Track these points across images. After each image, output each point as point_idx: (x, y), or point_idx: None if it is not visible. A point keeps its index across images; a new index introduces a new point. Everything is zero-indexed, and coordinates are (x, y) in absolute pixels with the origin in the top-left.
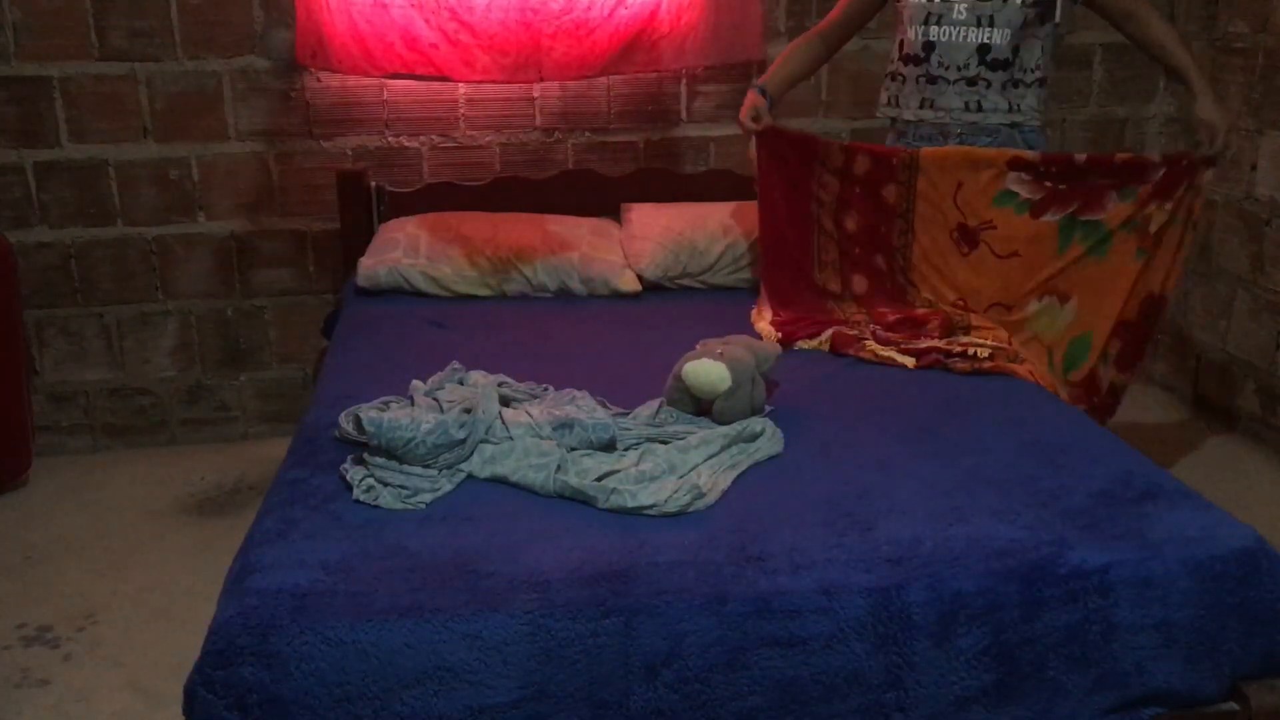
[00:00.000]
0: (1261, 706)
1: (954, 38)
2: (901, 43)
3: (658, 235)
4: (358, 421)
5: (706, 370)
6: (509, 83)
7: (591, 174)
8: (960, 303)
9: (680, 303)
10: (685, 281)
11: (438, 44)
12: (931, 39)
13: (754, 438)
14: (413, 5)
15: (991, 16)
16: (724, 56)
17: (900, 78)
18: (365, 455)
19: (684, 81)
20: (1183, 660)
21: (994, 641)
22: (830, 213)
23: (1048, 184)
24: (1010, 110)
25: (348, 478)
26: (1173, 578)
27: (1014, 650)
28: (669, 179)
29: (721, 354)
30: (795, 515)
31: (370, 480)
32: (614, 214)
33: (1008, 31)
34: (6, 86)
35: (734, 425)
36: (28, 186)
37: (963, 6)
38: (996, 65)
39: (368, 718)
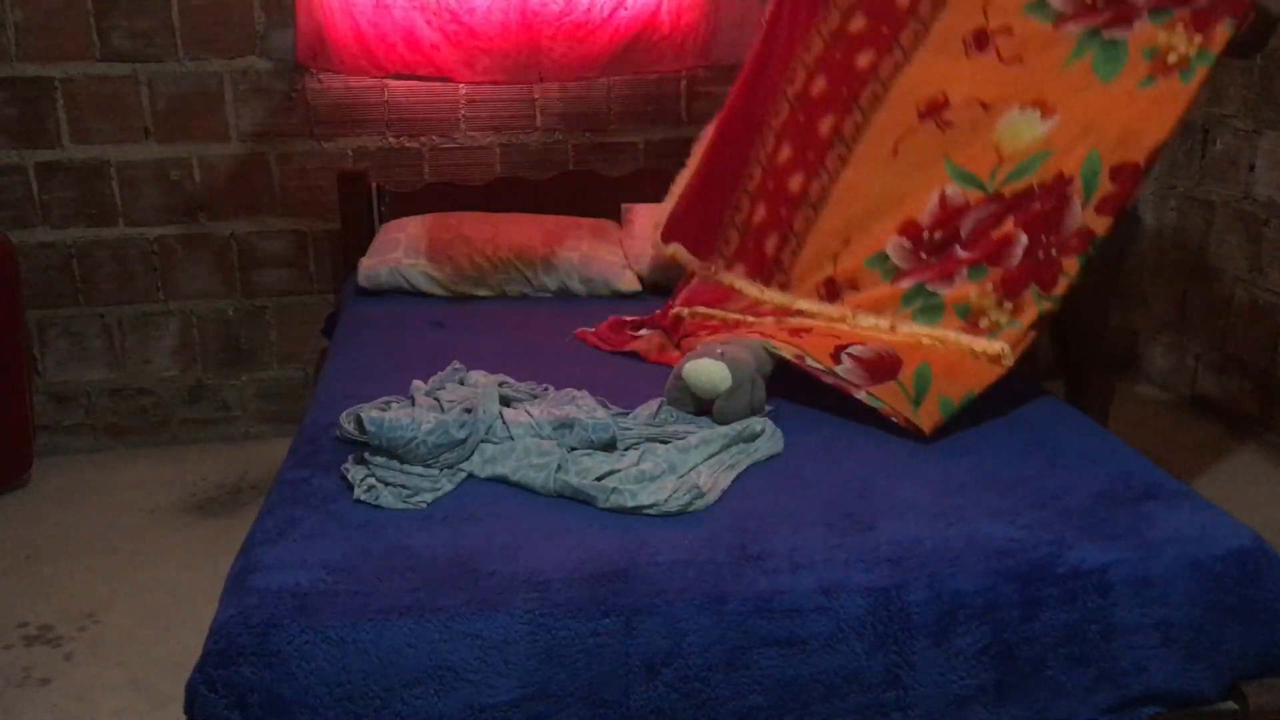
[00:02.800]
0: (1260, 706)
1: None
2: None
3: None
4: (359, 421)
5: (707, 370)
6: (509, 83)
7: (592, 174)
8: (940, 95)
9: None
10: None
11: (439, 44)
12: None
13: (754, 438)
14: (414, 6)
15: None
16: (723, 56)
17: None
18: (366, 455)
19: (684, 82)
20: (1182, 660)
21: (993, 641)
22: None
23: None
24: None
25: (349, 477)
26: (1172, 577)
27: (1013, 650)
28: (669, 179)
29: (722, 354)
30: (795, 515)
31: (371, 480)
32: (614, 214)
33: None
34: (8, 87)
35: (734, 425)
36: (29, 187)
37: None
38: None
39: (368, 717)
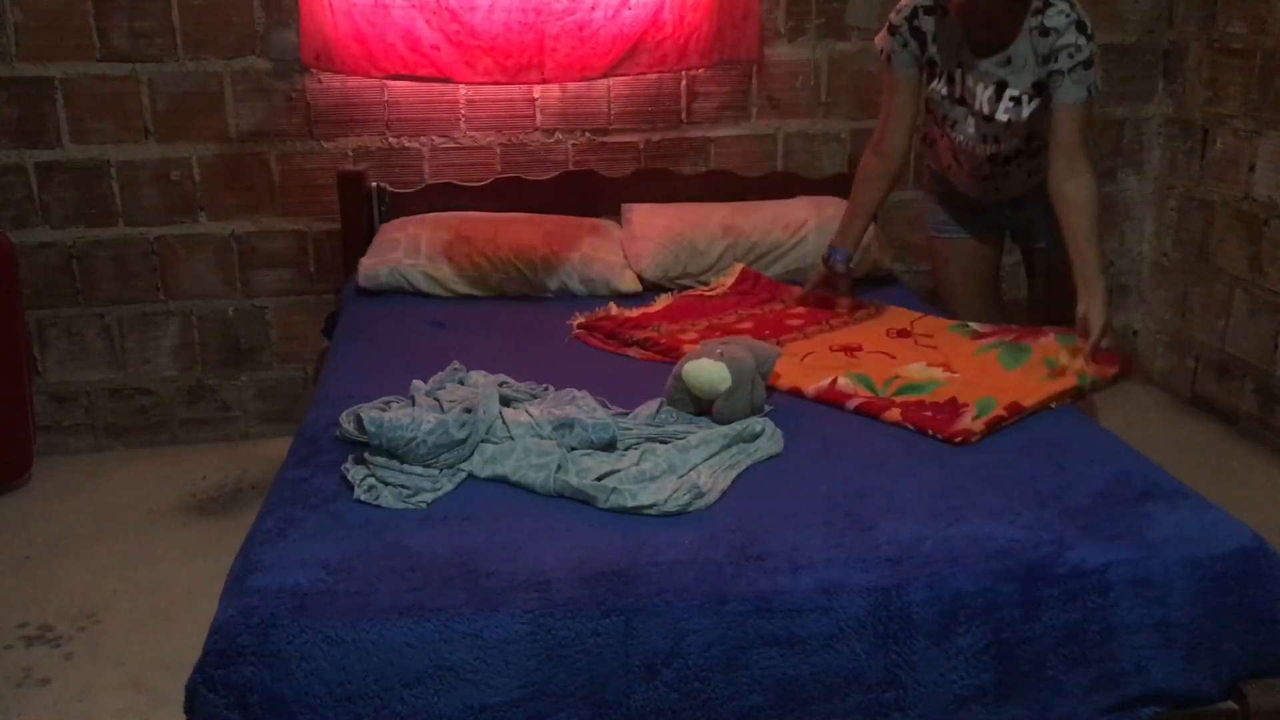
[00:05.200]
0: (1260, 706)
1: (966, 145)
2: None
3: (658, 235)
4: (359, 421)
5: (706, 370)
6: (511, 84)
7: (592, 174)
8: (854, 345)
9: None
10: (685, 282)
11: (439, 45)
12: (953, 138)
13: (754, 438)
14: (414, 6)
15: (997, 135)
16: (725, 56)
17: (934, 143)
18: (366, 455)
19: (684, 82)
20: (1181, 660)
21: (993, 641)
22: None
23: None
24: (1030, 176)
25: (349, 477)
26: (1172, 577)
27: (1013, 650)
28: (669, 179)
29: (721, 354)
30: (795, 515)
31: (371, 480)
32: (614, 214)
33: (1015, 141)
34: (8, 87)
35: (734, 425)
36: (29, 187)
37: (972, 121)
38: (1009, 159)
39: (368, 717)
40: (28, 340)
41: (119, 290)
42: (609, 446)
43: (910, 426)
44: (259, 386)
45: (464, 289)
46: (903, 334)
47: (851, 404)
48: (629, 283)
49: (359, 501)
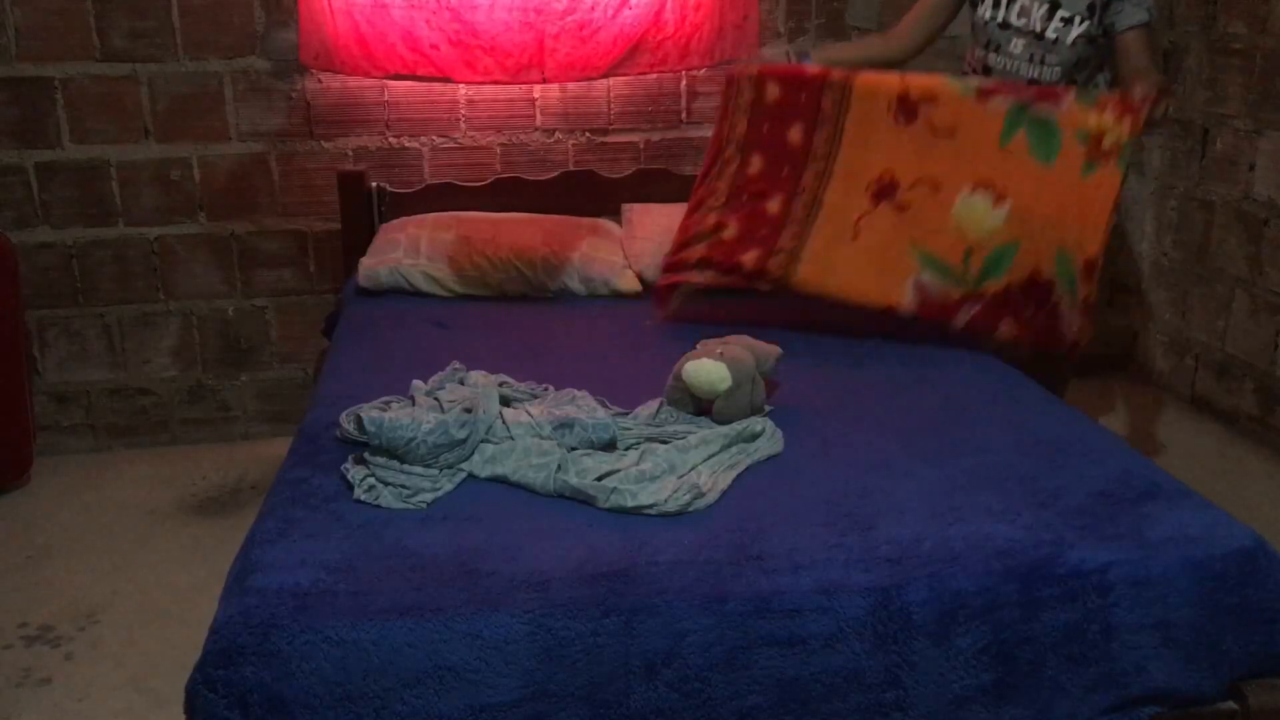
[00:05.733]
0: (1260, 706)
1: (1007, 68)
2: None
3: (658, 235)
4: (359, 421)
5: (706, 370)
6: (511, 84)
7: (592, 174)
8: (888, 174)
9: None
10: None
11: (439, 45)
12: (989, 64)
13: (754, 438)
14: (413, 6)
15: (1044, 55)
16: (725, 56)
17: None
18: (366, 455)
19: (684, 82)
20: (1182, 660)
21: (993, 641)
22: (736, 153)
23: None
24: None
25: (349, 477)
26: (1172, 577)
27: (1013, 650)
28: (669, 179)
29: (721, 354)
30: (795, 515)
31: (371, 480)
32: (614, 214)
33: (1058, 69)
34: (8, 87)
35: (734, 425)
36: (29, 187)
37: (1020, 42)
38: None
39: (369, 717)
40: (28, 340)
41: (119, 290)
42: (609, 446)
43: (1024, 342)
44: (259, 386)
45: (464, 289)
46: (909, 116)
47: (960, 320)
48: (629, 283)
49: (359, 501)
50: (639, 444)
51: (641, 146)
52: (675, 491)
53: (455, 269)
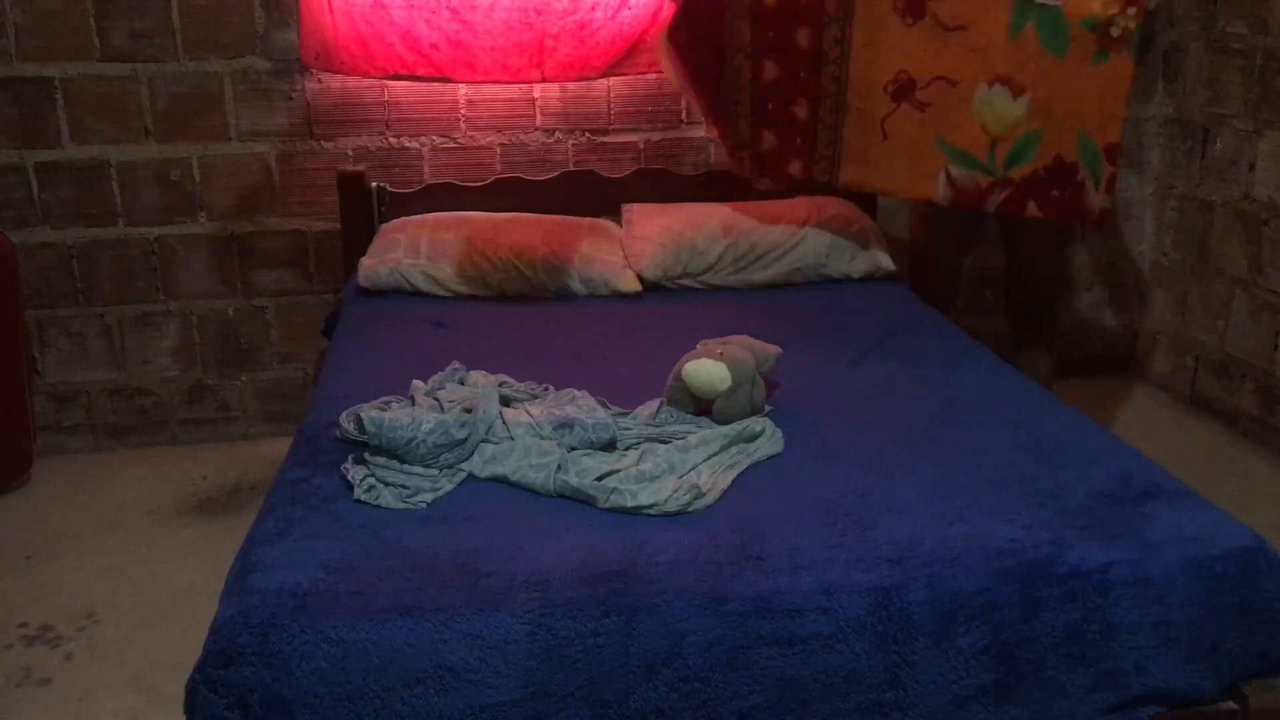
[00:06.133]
0: (1260, 706)
1: None
2: None
3: (658, 235)
4: (359, 421)
5: (706, 370)
6: (511, 84)
7: (591, 174)
8: (903, 74)
9: (680, 303)
10: (685, 282)
11: (438, 45)
12: None
13: (754, 438)
14: (412, 6)
15: None
16: None
17: None
18: (366, 455)
19: None
20: (1182, 659)
21: (993, 641)
22: (746, 60)
23: None
24: None
25: (349, 477)
26: (1172, 577)
27: (1013, 650)
28: (669, 179)
29: (721, 354)
30: (795, 515)
31: (371, 480)
32: (614, 214)
33: None
34: (8, 87)
35: (734, 425)
36: (29, 187)
37: None
38: None
39: (368, 717)
40: (28, 340)
41: (119, 290)
42: (609, 446)
43: (1053, 219)
44: (259, 386)
45: (464, 289)
46: (917, 13)
47: (990, 205)
48: (629, 283)
49: (359, 501)
50: (639, 444)
51: (641, 146)
52: (675, 491)
53: (455, 269)
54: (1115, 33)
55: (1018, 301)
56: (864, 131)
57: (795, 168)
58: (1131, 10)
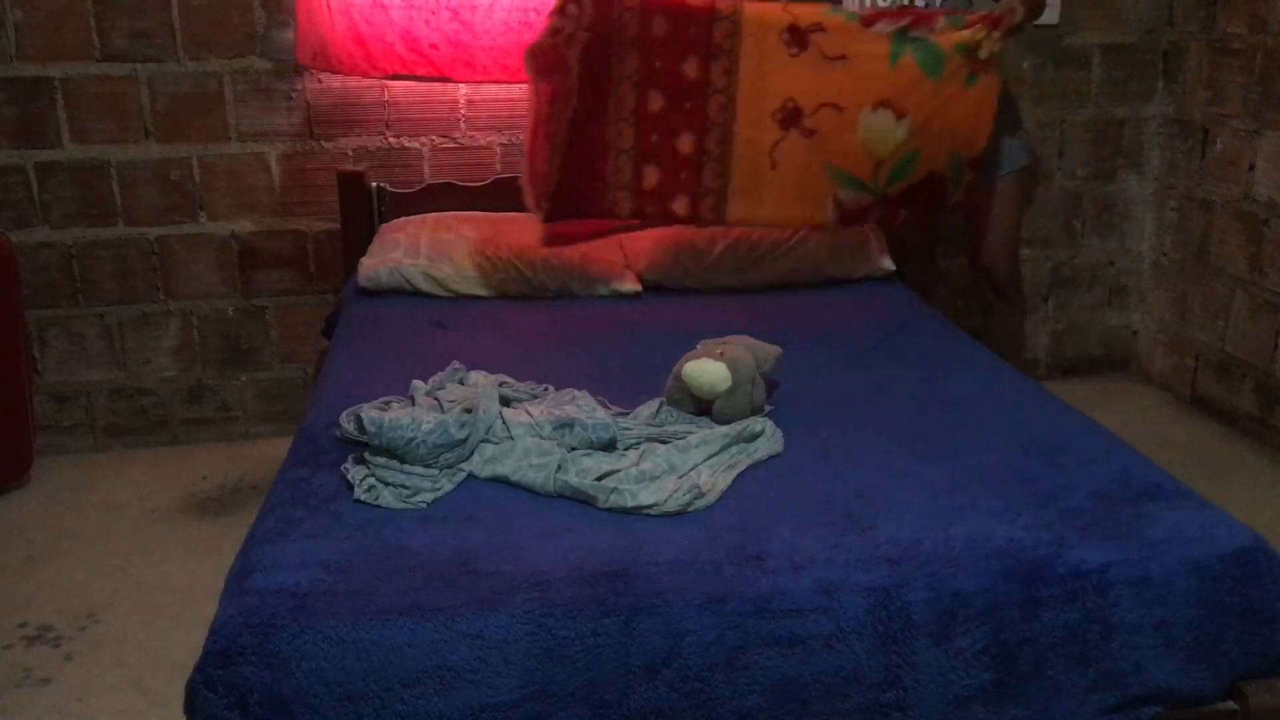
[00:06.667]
0: (1260, 706)
1: None
2: None
3: (658, 235)
4: (359, 421)
5: (706, 370)
6: (511, 83)
7: None
8: (790, 102)
9: (680, 303)
10: (685, 281)
11: (438, 45)
12: None
13: (754, 438)
14: (411, 6)
15: None
16: None
17: None
18: (366, 455)
19: None
20: (1181, 660)
21: (993, 641)
22: (631, 90)
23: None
24: None
25: (349, 477)
26: (1171, 577)
27: (1013, 650)
28: None
29: (721, 354)
30: (795, 515)
31: (371, 480)
32: None
33: None
34: (8, 87)
35: (734, 425)
36: (29, 187)
37: None
38: None
39: (369, 717)
40: (28, 340)
41: (119, 290)
42: (609, 446)
43: (914, 218)
44: (259, 386)
45: (464, 289)
46: (801, 45)
47: (870, 219)
48: (629, 283)
49: (359, 501)
50: (639, 444)
51: None
52: (675, 491)
53: (455, 269)
54: (983, 55)
55: (980, 265)
56: (752, 162)
57: (680, 204)
58: (996, 34)
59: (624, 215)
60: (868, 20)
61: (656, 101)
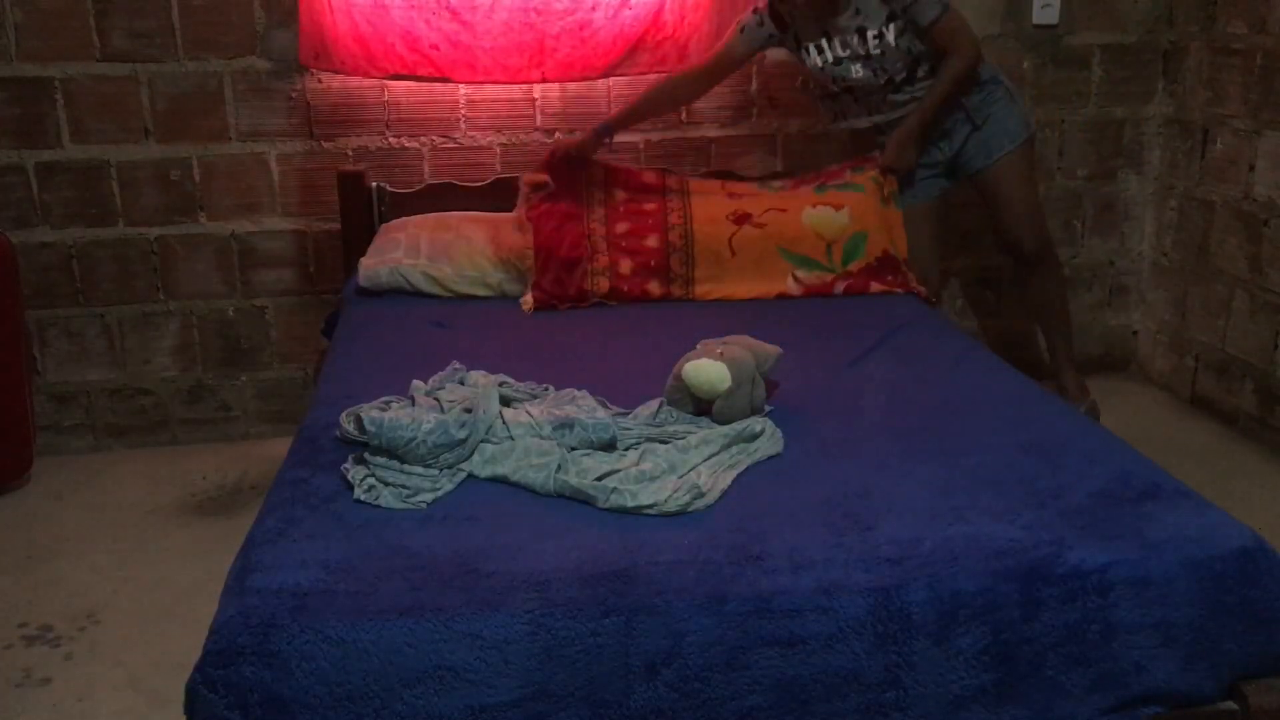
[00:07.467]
0: (1260, 706)
1: (862, 86)
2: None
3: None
4: (359, 421)
5: (706, 370)
6: (511, 84)
7: None
8: (738, 210)
9: (680, 303)
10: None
11: (439, 45)
12: (849, 84)
13: (754, 438)
14: (412, 6)
15: (883, 66)
16: None
17: (835, 98)
18: (366, 455)
19: None
20: (1181, 660)
21: (993, 641)
22: (600, 207)
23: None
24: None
25: (349, 477)
26: (1172, 577)
27: (1013, 650)
28: None
29: (721, 354)
30: (795, 515)
31: (371, 480)
32: None
33: (900, 67)
34: (8, 87)
35: (734, 425)
36: (29, 187)
37: (857, 66)
38: (904, 82)
39: (368, 717)
40: (28, 340)
41: (119, 290)
42: (609, 446)
43: (894, 291)
44: (259, 386)
45: (464, 289)
46: (736, 196)
47: (837, 290)
48: None
49: (359, 501)
50: (639, 444)
51: (641, 146)
52: (675, 491)
53: (455, 269)
54: (886, 192)
55: (1008, 244)
56: (714, 252)
57: (653, 286)
58: (887, 178)
59: (601, 292)
60: (789, 187)
61: (622, 226)
